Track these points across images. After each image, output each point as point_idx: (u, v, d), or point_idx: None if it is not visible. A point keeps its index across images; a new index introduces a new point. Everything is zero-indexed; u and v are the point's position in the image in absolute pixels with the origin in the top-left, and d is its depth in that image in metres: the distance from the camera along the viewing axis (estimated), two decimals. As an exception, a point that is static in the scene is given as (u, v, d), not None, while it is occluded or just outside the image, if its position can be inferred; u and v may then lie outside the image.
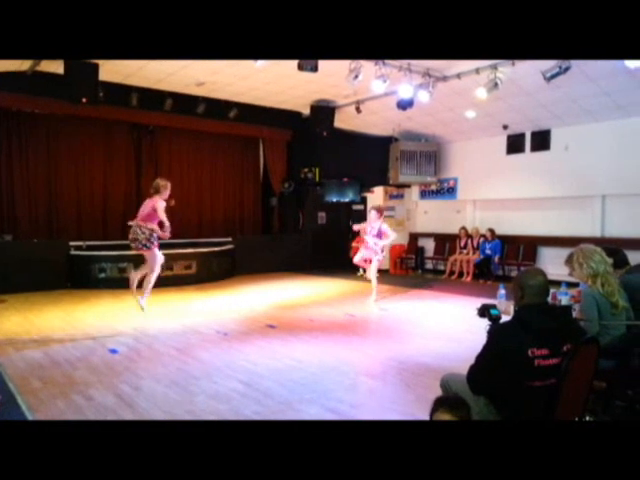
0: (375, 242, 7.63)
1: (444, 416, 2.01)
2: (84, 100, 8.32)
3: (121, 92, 9.08)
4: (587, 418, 3.12)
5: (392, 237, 7.82)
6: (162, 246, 9.73)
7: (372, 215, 7.78)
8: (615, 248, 3.73)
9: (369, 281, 8.11)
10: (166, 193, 6.46)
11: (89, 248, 9.35)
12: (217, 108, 10.24)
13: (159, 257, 6.48)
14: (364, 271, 11.22)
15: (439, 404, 2.06)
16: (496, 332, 2.50)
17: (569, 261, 3.43)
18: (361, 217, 12.45)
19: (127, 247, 9.65)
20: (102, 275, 9.05)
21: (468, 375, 2.51)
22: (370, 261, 7.77)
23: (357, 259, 8.05)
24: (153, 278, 6.52)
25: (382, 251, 7.91)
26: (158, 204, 6.30)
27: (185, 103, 9.86)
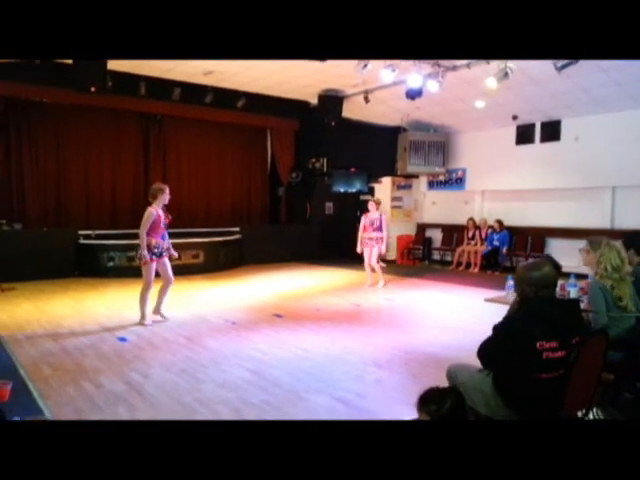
0: (370, 236, 8.27)
1: (418, 412, 2.02)
2: (93, 89, 8.31)
3: (129, 81, 9.06)
4: (595, 410, 3.13)
5: (385, 233, 8.35)
6: (169, 234, 9.78)
7: (372, 207, 8.39)
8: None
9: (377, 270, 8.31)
10: (162, 197, 5.72)
11: (98, 237, 9.41)
12: (225, 98, 10.21)
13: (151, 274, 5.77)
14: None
15: (420, 407, 2.05)
16: (507, 322, 2.50)
17: (592, 248, 3.37)
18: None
19: (135, 236, 9.77)
20: (111, 264, 9.12)
21: (479, 351, 2.55)
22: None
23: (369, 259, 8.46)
24: (143, 295, 5.84)
25: (382, 241, 8.28)
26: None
27: (193, 93, 9.83)
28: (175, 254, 6.00)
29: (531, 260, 2.65)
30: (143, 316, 5.80)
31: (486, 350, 2.53)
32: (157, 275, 5.87)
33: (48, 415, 3.31)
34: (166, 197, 5.74)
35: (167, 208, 5.89)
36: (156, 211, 5.64)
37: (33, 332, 5.41)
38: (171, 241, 6.00)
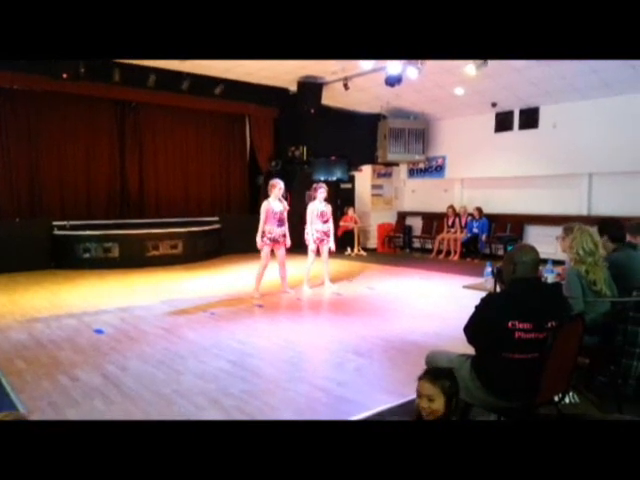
0: (324, 230, 7.10)
1: (426, 384, 2.04)
2: (65, 76, 8.10)
3: (103, 68, 8.79)
4: (571, 394, 3.17)
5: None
6: (146, 225, 9.69)
7: (323, 194, 7.08)
8: (616, 223, 3.71)
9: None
10: (275, 191, 6.62)
11: (73, 227, 9.22)
12: (202, 84, 10.01)
13: (266, 256, 6.60)
14: (351, 249, 11.30)
15: (425, 372, 2.09)
16: (483, 300, 2.55)
17: (565, 234, 3.42)
18: (349, 196, 12.44)
19: (111, 227, 9.62)
20: (86, 255, 8.95)
21: (464, 327, 2.62)
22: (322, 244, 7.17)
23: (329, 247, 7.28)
24: (258, 272, 6.70)
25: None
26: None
27: (169, 79, 9.61)
28: (288, 244, 6.77)
29: (516, 244, 2.73)
30: (255, 289, 6.68)
31: (469, 326, 2.60)
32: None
33: (22, 409, 3.23)
34: (278, 191, 6.62)
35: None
36: (268, 204, 6.55)
37: (6, 325, 5.28)
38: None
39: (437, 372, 2.09)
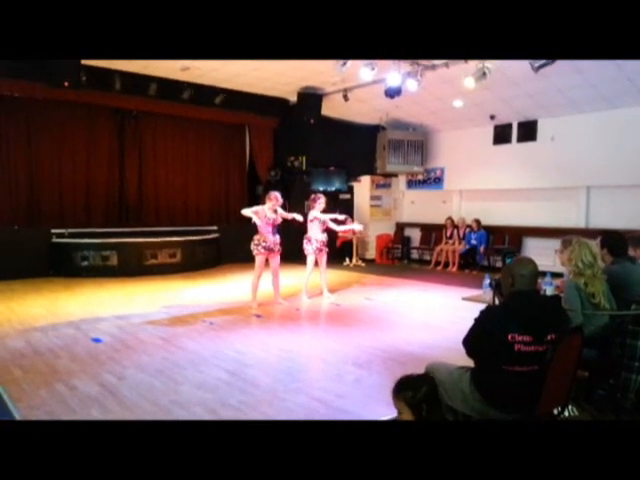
0: (323, 240, 7.14)
1: (393, 399, 2.04)
2: (66, 84, 8.13)
3: (104, 76, 8.86)
4: (570, 407, 3.17)
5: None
6: (145, 233, 9.68)
7: (323, 204, 7.12)
8: (618, 236, 3.68)
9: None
10: (271, 204, 6.68)
11: (72, 235, 9.20)
12: (202, 94, 10.07)
13: (260, 264, 6.67)
14: (350, 260, 11.30)
15: (396, 394, 2.07)
16: (483, 312, 2.55)
17: (564, 247, 3.42)
18: (348, 206, 12.46)
19: (110, 235, 9.61)
20: (85, 263, 8.93)
21: (463, 340, 2.62)
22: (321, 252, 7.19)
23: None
24: (253, 282, 6.75)
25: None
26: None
27: (170, 88, 9.67)
28: (278, 252, 6.79)
29: (516, 257, 2.73)
30: (252, 299, 6.67)
31: (468, 339, 2.59)
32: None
33: (19, 419, 3.21)
34: (270, 203, 6.66)
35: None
36: (262, 207, 6.66)
37: (4, 333, 5.25)
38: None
39: (401, 384, 2.07)
